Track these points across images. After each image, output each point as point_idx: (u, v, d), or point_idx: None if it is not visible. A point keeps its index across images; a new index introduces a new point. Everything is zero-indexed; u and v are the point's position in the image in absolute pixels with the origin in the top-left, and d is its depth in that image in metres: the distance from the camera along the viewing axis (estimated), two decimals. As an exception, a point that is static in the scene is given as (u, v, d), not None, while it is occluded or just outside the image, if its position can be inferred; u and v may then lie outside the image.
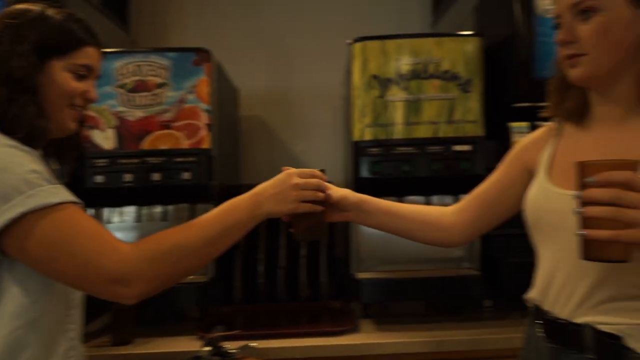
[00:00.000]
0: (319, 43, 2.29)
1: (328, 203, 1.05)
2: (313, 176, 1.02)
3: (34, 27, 0.94)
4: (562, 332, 0.92)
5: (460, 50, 1.58)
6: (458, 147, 1.56)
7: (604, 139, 0.93)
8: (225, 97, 1.86)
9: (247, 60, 2.27)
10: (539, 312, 0.98)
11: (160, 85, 1.60)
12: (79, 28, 0.99)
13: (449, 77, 1.58)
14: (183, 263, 0.91)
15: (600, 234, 0.74)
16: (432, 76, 1.58)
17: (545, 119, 1.57)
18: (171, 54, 1.60)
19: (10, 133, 0.90)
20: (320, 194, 1.01)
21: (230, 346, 1.23)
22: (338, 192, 1.09)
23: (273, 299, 1.82)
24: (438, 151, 1.56)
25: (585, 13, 0.88)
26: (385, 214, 1.13)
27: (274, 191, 0.98)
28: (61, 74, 0.96)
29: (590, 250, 0.77)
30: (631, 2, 0.86)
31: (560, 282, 0.93)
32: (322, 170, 1.05)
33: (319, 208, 1.01)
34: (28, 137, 0.91)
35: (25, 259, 0.86)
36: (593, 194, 0.75)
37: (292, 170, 1.01)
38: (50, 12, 0.98)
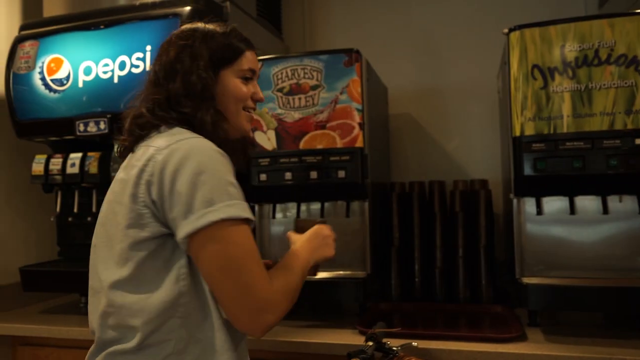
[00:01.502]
0: (468, 36, 2.21)
1: None
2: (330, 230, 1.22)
3: (204, 45, 1.06)
4: None
5: (638, 31, 1.39)
6: (640, 141, 1.38)
7: None
8: (375, 95, 1.88)
9: (396, 58, 2.27)
10: None
11: (314, 87, 1.66)
12: (238, 37, 1.10)
13: (626, 62, 1.41)
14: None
15: None
16: (604, 62, 1.43)
17: None
18: (323, 57, 1.66)
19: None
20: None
21: (392, 343, 1.23)
22: None
23: (430, 299, 1.80)
24: (615, 145, 1.40)
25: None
26: None
27: (317, 242, 1.16)
28: (233, 81, 1.08)
29: None
30: None
31: None
32: (325, 221, 1.25)
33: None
34: (220, 143, 1.00)
35: (199, 260, 0.94)
36: None
37: (322, 226, 1.20)
38: (212, 27, 1.09)
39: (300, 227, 1.23)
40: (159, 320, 0.94)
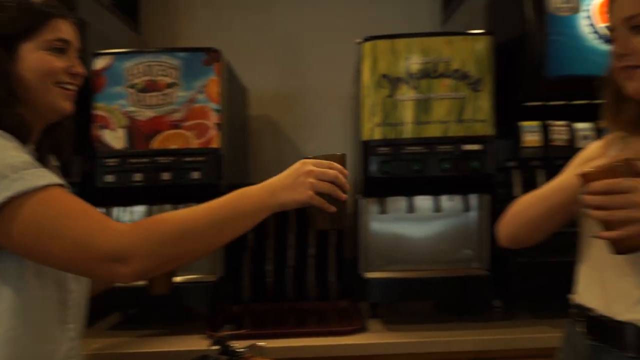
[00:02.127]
0: (330, 42, 2.29)
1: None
2: (330, 167, 0.95)
3: None
4: (604, 329, 0.93)
5: (471, 49, 1.56)
6: (468, 147, 1.55)
7: None
8: (234, 96, 1.86)
9: (257, 59, 2.27)
10: (581, 310, 0.99)
11: (170, 85, 1.60)
12: (39, 5, 0.95)
13: (459, 76, 1.57)
14: (186, 245, 0.87)
15: (606, 235, 0.82)
16: (442, 75, 1.57)
17: (556, 118, 1.56)
18: (181, 54, 1.61)
19: None
20: (337, 191, 0.94)
21: (238, 345, 1.23)
22: None
23: (281, 299, 1.82)
24: (448, 150, 1.55)
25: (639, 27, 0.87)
26: None
27: (287, 180, 0.93)
28: (34, 55, 0.93)
29: (614, 246, 0.83)
30: None
31: (603, 280, 0.95)
32: (342, 155, 0.99)
33: (341, 196, 0.95)
34: (12, 128, 0.89)
35: (12, 245, 0.84)
36: (586, 200, 0.82)
37: (308, 159, 0.96)
38: None
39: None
40: None
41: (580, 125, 1.55)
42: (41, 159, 0.99)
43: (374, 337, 1.41)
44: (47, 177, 0.84)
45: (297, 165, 0.94)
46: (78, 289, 0.98)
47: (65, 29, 0.97)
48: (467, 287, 1.55)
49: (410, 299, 1.65)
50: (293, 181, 0.92)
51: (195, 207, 0.90)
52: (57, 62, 0.95)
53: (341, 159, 0.98)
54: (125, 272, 0.83)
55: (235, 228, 0.92)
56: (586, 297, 0.99)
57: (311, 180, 0.92)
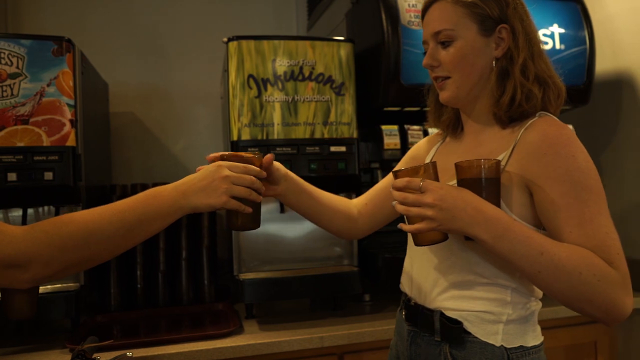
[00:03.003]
0: (196, 39, 2.24)
1: (263, 191, 0.99)
2: (246, 171, 0.94)
3: None
4: (417, 316, 1.03)
5: (334, 54, 1.64)
6: (334, 148, 1.62)
7: (466, 149, 1.05)
8: (92, 91, 1.73)
9: (118, 53, 2.14)
10: (403, 298, 1.10)
11: (13, 76, 1.44)
12: None
13: (323, 80, 1.64)
14: (90, 249, 0.83)
15: (404, 227, 0.90)
16: (307, 78, 1.63)
17: (412, 122, 1.70)
18: (26, 42, 1.45)
19: None
20: (253, 194, 0.94)
21: (103, 357, 1.15)
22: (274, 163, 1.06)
23: (153, 305, 1.74)
24: (316, 152, 1.60)
25: (445, 42, 0.99)
26: (305, 194, 1.13)
27: (201, 183, 0.90)
28: None
29: (414, 238, 0.93)
30: (480, 32, 0.98)
31: (416, 270, 1.05)
32: (259, 156, 0.99)
33: (257, 198, 0.95)
34: None
35: None
36: (393, 195, 0.90)
37: (223, 162, 0.94)
38: None
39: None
40: None
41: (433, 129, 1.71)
42: None
43: (249, 339, 1.41)
44: None
45: (211, 168, 0.92)
46: None
47: None
48: (338, 283, 1.61)
49: (285, 298, 1.68)
50: (207, 185, 0.90)
51: (100, 207, 0.86)
52: None
53: (258, 160, 0.98)
54: (24, 278, 0.80)
55: (143, 231, 0.88)
56: (405, 285, 1.10)
57: (226, 185, 0.90)
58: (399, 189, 0.89)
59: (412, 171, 0.91)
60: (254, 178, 0.94)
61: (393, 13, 1.61)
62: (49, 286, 1.49)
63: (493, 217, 0.85)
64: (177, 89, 2.22)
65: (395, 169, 0.99)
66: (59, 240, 0.81)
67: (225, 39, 1.60)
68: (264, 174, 0.98)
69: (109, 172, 2.06)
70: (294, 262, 1.67)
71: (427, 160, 1.14)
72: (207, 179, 0.91)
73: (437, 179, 0.91)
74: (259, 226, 1.00)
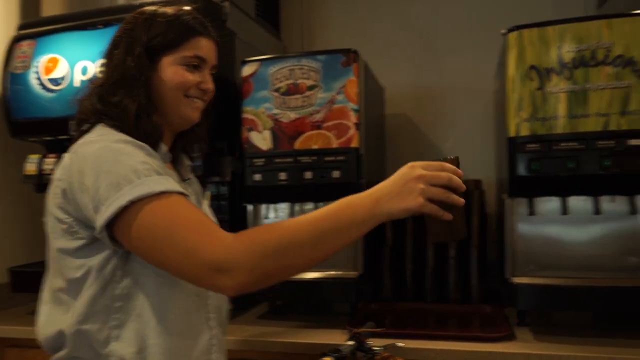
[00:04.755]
0: (466, 36, 2.21)
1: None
2: (443, 169, 0.87)
3: (144, 29, 1.00)
4: None
5: (637, 32, 1.39)
6: (634, 142, 1.38)
7: None
8: (372, 96, 1.88)
9: (394, 58, 2.26)
10: None
11: (311, 88, 1.66)
12: (188, 21, 1.02)
13: (622, 63, 1.41)
14: (288, 259, 0.84)
15: None
16: (601, 63, 1.42)
17: None
18: (321, 57, 1.66)
19: (128, 131, 0.96)
20: (452, 196, 0.86)
21: (375, 343, 1.23)
22: None
23: (421, 299, 1.79)
24: (609, 146, 1.39)
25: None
26: None
27: (395, 187, 0.85)
28: (171, 69, 1.00)
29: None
30: None
31: None
32: (455, 158, 0.90)
33: (458, 201, 0.86)
34: (144, 133, 0.97)
35: (132, 248, 0.88)
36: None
37: (417, 162, 0.88)
38: (162, 10, 1.02)
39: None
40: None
41: None
42: (175, 159, 1.10)
43: (522, 347, 1.31)
44: (166, 184, 0.87)
45: (404, 170, 0.87)
46: None
47: (204, 47, 1.04)
48: (633, 299, 1.36)
49: (566, 308, 1.50)
50: (401, 188, 0.85)
51: (297, 218, 0.88)
52: (190, 77, 1.02)
53: (454, 162, 0.89)
54: (228, 284, 0.82)
55: (338, 240, 0.86)
56: None
57: (421, 185, 0.84)
58: None
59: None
60: (451, 175, 0.86)
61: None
62: (331, 272, 1.65)
63: None
64: (448, 87, 2.23)
65: None
66: (261, 247, 0.83)
67: (503, 31, 1.53)
68: (461, 173, 0.88)
69: (384, 170, 2.20)
70: (576, 270, 1.48)
71: None
72: (401, 181, 0.86)
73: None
74: (462, 237, 0.89)
